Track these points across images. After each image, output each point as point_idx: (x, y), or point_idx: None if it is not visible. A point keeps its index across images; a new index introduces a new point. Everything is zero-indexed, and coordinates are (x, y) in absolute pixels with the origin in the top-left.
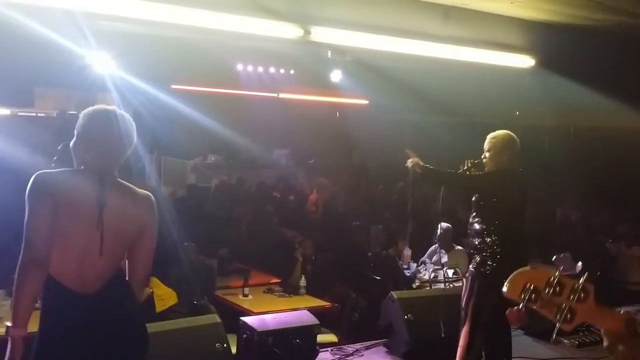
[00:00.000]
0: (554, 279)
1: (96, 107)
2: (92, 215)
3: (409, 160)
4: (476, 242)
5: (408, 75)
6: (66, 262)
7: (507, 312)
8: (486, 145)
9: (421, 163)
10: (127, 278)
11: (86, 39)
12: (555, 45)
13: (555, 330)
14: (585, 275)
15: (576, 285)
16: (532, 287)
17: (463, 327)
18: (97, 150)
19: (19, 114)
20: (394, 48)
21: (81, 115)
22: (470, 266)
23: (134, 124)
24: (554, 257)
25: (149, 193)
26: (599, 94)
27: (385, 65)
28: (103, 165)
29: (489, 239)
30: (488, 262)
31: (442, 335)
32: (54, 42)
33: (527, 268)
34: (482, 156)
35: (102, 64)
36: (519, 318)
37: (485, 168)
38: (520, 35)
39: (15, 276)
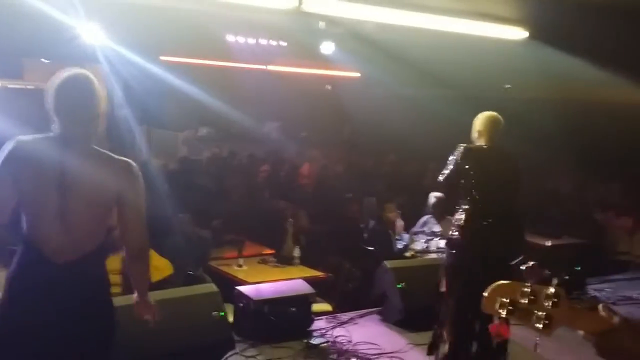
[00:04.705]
0: (526, 289)
1: (60, 73)
2: (54, 184)
3: None
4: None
5: (401, 48)
6: (39, 229)
7: (489, 327)
8: None
9: None
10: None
11: (75, 8)
12: (549, 17)
13: (537, 338)
14: (556, 280)
15: (548, 292)
16: (507, 300)
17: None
18: (60, 116)
19: (8, 86)
20: (387, 19)
21: None
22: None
23: (98, 87)
24: (524, 267)
25: (128, 160)
26: (591, 66)
27: (377, 38)
28: (70, 132)
29: (459, 213)
30: (454, 234)
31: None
32: (43, 11)
33: (500, 282)
34: None
35: (92, 35)
36: (502, 331)
37: None
38: (514, 7)
39: None
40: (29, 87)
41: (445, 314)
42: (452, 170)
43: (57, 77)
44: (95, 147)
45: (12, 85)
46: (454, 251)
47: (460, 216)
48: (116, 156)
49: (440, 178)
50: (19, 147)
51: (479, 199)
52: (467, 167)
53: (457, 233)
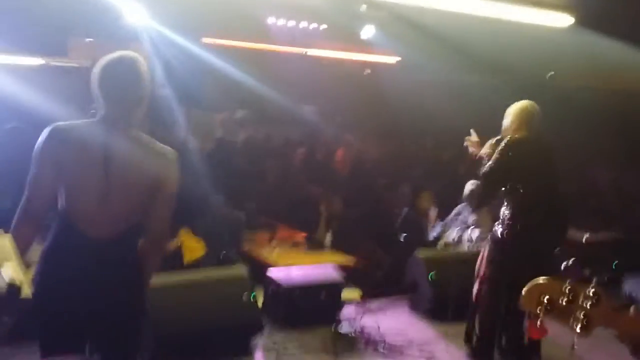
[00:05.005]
0: (566, 288)
1: (108, 56)
2: (98, 165)
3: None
4: (501, 211)
5: (442, 33)
6: (78, 206)
7: (526, 325)
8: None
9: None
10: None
11: None
12: (595, 2)
13: (575, 338)
14: (595, 280)
15: (588, 292)
16: (546, 299)
17: (475, 286)
18: (104, 95)
19: (52, 64)
20: (429, 3)
21: None
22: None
23: (145, 69)
24: (562, 265)
25: (170, 149)
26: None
27: (418, 22)
28: (115, 114)
29: (505, 208)
30: (500, 230)
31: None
32: None
33: (539, 280)
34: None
35: (136, 15)
36: (539, 330)
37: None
38: None
39: (12, 224)
40: (72, 65)
41: (484, 306)
42: (496, 163)
43: (105, 58)
44: (137, 132)
45: (55, 62)
46: (500, 247)
47: (506, 211)
48: (157, 143)
49: (485, 170)
50: (59, 130)
51: (524, 192)
52: (512, 160)
53: (503, 228)
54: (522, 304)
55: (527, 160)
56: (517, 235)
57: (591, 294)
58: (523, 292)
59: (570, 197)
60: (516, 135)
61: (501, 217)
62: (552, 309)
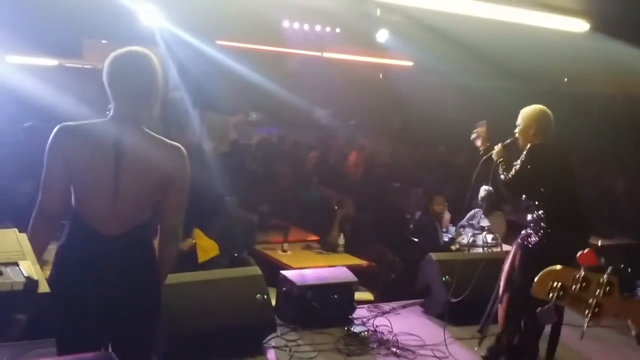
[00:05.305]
0: (579, 276)
1: (118, 50)
2: (109, 162)
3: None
4: (528, 217)
5: (456, 37)
6: (89, 204)
7: (537, 311)
8: (518, 120)
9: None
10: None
11: None
12: (611, 8)
13: (585, 325)
14: (609, 269)
15: (601, 280)
16: (559, 285)
17: (501, 292)
18: (114, 94)
19: (66, 65)
20: (444, 7)
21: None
22: (519, 237)
23: (156, 64)
24: (578, 254)
25: (179, 146)
26: None
27: (432, 26)
28: (124, 109)
29: (535, 214)
30: (532, 236)
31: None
32: None
33: (554, 267)
34: (515, 131)
35: (151, 17)
36: (549, 316)
37: (518, 143)
38: None
39: (30, 224)
40: (86, 66)
41: (519, 316)
42: (521, 170)
43: (114, 53)
44: (147, 130)
45: (70, 64)
46: (536, 255)
47: (536, 218)
48: (167, 140)
49: (509, 176)
50: (67, 128)
51: (552, 199)
52: (537, 167)
53: (536, 237)
54: (533, 290)
55: (551, 166)
56: (551, 242)
57: (604, 282)
58: (536, 279)
59: (587, 203)
60: (537, 142)
61: (532, 226)
62: (565, 295)
